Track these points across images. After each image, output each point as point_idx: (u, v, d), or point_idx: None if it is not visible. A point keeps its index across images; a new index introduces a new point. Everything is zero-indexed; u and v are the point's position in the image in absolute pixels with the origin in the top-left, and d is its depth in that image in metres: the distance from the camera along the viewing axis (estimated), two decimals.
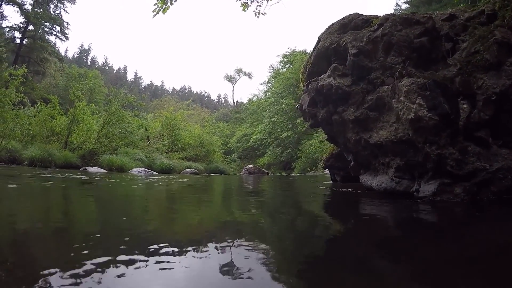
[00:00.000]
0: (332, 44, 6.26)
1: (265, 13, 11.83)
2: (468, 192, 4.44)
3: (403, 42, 5.17)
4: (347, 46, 5.83)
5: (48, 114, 22.03)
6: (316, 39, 6.93)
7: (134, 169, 18.31)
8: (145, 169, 18.53)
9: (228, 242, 2.35)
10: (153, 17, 9.81)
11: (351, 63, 5.71)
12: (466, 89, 4.53)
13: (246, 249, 2.13)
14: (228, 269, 1.73)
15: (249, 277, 1.61)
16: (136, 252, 1.96)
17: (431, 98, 4.55)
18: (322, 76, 6.30)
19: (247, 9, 11.50)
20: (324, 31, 6.74)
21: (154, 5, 9.39)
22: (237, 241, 2.39)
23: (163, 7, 9.67)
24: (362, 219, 3.87)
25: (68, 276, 1.51)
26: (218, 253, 2.04)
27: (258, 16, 11.49)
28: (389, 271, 1.89)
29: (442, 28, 5.14)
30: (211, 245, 2.21)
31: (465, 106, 4.49)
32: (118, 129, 23.15)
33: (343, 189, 7.37)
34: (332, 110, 6.16)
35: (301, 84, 7.77)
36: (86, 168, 17.43)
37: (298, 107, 7.83)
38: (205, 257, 1.94)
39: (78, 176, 10.14)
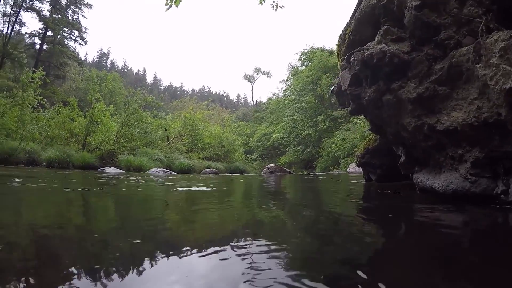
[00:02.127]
0: (380, 0, 4.74)
1: (283, 6, 11.31)
2: None
3: None
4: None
5: (67, 116, 21.84)
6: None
7: (152, 169, 17.64)
8: (164, 169, 17.80)
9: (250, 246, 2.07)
10: (166, 11, 9.18)
11: (411, 21, 4.03)
12: None
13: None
14: (247, 271, 1.59)
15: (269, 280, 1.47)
16: (155, 251, 1.92)
17: None
18: (369, 43, 4.66)
19: (264, 2, 11.05)
20: None
21: None
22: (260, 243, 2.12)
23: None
24: (424, 233, 2.65)
25: (88, 275, 1.49)
26: (239, 254, 1.87)
27: (275, 9, 11.11)
28: None
29: None
30: (231, 246, 2.04)
31: None
32: (136, 130, 22.91)
33: (385, 190, 5.81)
34: (383, 88, 4.53)
35: (338, 61, 6.27)
36: (103, 168, 16.92)
37: (334, 89, 6.24)
38: (225, 258, 1.81)
39: (92, 177, 9.60)
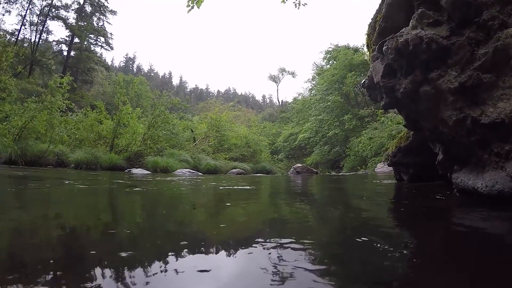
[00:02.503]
0: None
1: (305, 4, 11.15)
2: None
3: None
4: None
5: (95, 119, 22.21)
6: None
7: (178, 170, 17.64)
8: (190, 170, 17.81)
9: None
10: (188, 12, 9.27)
11: (449, 1, 3.64)
12: None
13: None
14: (274, 271, 1.57)
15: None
16: (182, 249, 1.92)
17: None
18: (402, 30, 4.25)
19: (286, 0, 10.96)
20: None
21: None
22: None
23: (196, 0, 9.16)
24: (468, 241, 2.31)
25: (115, 271, 1.53)
26: (265, 254, 1.85)
27: (298, 7, 11.04)
28: None
29: None
30: (258, 246, 2.01)
31: None
32: (163, 131, 23.05)
33: (419, 191, 5.46)
34: (420, 78, 4.10)
35: (368, 52, 5.87)
36: (130, 169, 17.06)
37: (365, 82, 5.83)
38: (251, 257, 1.82)
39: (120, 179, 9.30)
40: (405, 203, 4.70)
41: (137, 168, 17.52)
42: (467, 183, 4.22)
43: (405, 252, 1.96)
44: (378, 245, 2.06)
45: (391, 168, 17.43)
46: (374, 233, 2.50)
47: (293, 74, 76.63)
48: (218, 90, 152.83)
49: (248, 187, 7.71)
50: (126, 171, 16.59)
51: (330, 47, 45.94)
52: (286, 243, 2.03)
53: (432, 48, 3.77)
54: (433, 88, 3.94)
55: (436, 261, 1.81)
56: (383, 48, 4.54)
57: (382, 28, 5.15)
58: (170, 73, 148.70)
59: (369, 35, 5.90)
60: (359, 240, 2.23)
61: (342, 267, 1.74)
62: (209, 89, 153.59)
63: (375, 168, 21.40)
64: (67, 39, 45.52)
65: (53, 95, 18.40)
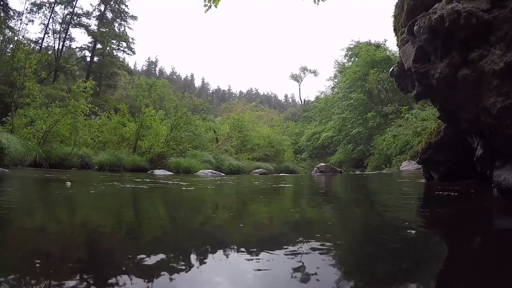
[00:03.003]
0: None
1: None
2: None
3: None
4: None
5: (118, 122, 22.74)
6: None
7: (201, 171, 17.47)
8: (212, 171, 17.61)
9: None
10: (205, 12, 9.06)
11: None
12: None
13: None
14: (297, 273, 1.56)
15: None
16: (205, 250, 1.97)
17: None
18: (435, 5, 3.73)
19: None
20: None
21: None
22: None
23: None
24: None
25: (138, 269, 1.56)
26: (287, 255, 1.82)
27: (317, 3, 10.67)
28: None
29: None
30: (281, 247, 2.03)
31: None
32: (185, 132, 23.18)
33: (451, 191, 4.85)
34: (459, 61, 3.58)
35: (396, 36, 5.34)
36: (153, 171, 16.95)
37: (394, 70, 5.30)
38: (273, 259, 1.77)
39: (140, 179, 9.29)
40: (435, 205, 4.14)
41: (159, 169, 17.44)
42: (509, 181, 3.70)
43: (435, 262, 1.76)
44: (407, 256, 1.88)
45: (417, 166, 16.85)
46: (406, 244, 2.15)
47: (315, 72, 75.73)
48: (240, 91, 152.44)
49: (272, 187, 7.54)
50: (148, 172, 16.55)
51: (352, 44, 45.23)
52: (310, 248, 1.93)
53: (471, 24, 3.27)
54: (474, 70, 3.42)
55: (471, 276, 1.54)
56: (414, 28, 4.01)
57: (411, 6, 4.63)
58: (192, 75, 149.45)
59: (396, 16, 5.38)
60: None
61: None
62: (231, 90, 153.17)
63: (400, 167, 20.49)
64: (90, 45, 46.06)
65: (76, 99, 18.63)
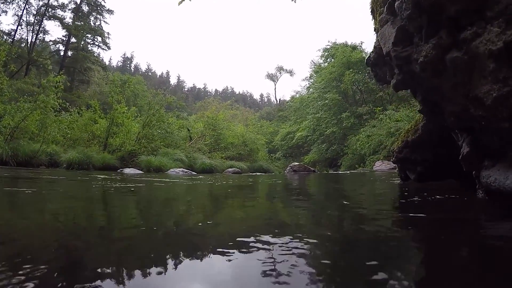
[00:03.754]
0: None
1: None
2: None
3: None
4: None
5: (90, 118, 22.24)
6: None
7: (171, 170, 17.04)
8: (184, 170, 17.02)
9: None
10: (178, 5, 8.32)
11: None
12: None
13: None
14: (268, 271, 1.53)
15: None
16: (178, 250, 1.94)
17: None
18: None
19: None
20: None
21: None
22: None
23: None
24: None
25: (111, 271, 1.52)
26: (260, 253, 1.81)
27: (295, 1, 10.12)
28: None
29: None
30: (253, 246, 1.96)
31: None
32: (158, 130, 22.72)
33: (430, 193, 4.34)
34: (448, 41, 2.99)
35: (374, 19, 4.76)
36: (123, 169, 16.53)
37: (370, 57, 4.71)
38: (247, 258, 1.76)
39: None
40: (415, 210, 3.50)
41: (130, 168, 17.05)
42: (504, 183, 3.17)
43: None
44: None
45: (390, 166, 16.55)
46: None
47: (290, 72, 76.70)
48: (215, 89, 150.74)
49: (242, 186, 7.49)
50: (118, 171, 16.02)
51: (328, 45, 45.44)
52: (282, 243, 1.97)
53: None
54: (466, 52, 2.82)
55: None
56: (396, 4, 3.35)
57: None
58: (167, 73, 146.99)
59: None
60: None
61: None
62: (207, 88, 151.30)
63: (374, 166, 20.83)
64: (64, 39, 44.52)
65: (46, 94, 17.98)
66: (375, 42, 4.48)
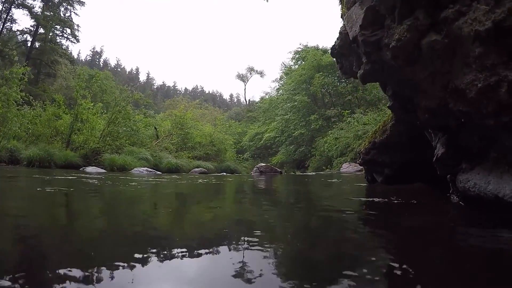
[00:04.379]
0: None
1: None
2: None
3: None
4: None
5: (53, 114, 21.01)
6: None
7: (136, 169, 16.20)
8: (148, 169, 16.34)
9: None
10: None
11: None
12: None
13: None
14: (238, 271, 1.56)
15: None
16: (145, 251, 1.85)
17: None
18: None
19: None
20: None
21: None
22: None
23: None
24: None
25: (79, 275, 1.45)
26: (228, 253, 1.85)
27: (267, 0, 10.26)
28: None
29: None
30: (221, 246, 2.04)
31: None
32: (123, 128, 21.76)
33: (399, 198, 3.92)
34: (425, 23, 2.52)
35: (341, 2, 4.23)
36: (85, 167, 15.75)
37: (335, 45, 4.20)
38: (215, 258, 1.79)
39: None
40: (384, 217, 3.11)
41: (92, 166, 16.26)
42: (485, 189, 2.74)
43: None
44: None
45: (357, 168, 16.28)
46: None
47: (261, 73, 75.70)
48: (185, 88, 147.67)
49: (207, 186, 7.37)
50: (81, 169, 15.16)
51: (300, 47, 45.39)
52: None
53: None
54: (447, 35, 2.36)
55: None
56: None
57: None
58: (137, 69, 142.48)
59: None
60: None
61: None
62: (176, 87, 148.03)
63: (341, 168, 20.84)
64: (32, 29, 42.27)
65: (9, 86, 17.29)
66: (341, 28, 3.96)
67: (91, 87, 22.85)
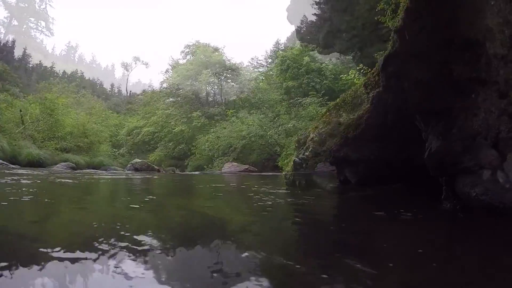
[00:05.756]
0: None
1: None
2: None
3: None
4: None
5: None
6: None
7: None
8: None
9: None
10: None
11: None
12: None
13: None
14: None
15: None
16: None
17: None
18: None
19: None
20: None
21: None
22: None
23: None
24: None
25: None
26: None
27: None
28: None
29: None
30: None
31: None
32: None
33: (381, 207, 3.50)
34: None
35: None
36: None
37: None
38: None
39: None
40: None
41: None
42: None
43: None
44: None
45: (239, 168, 15.39)
46: None
47: (146, 64, 74.07)
48: (64, 71, 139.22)
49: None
50: None
51: (191, 42, 44.64)
52: None
53: None
54: None
55: None
56: None
57: None
58: (13, 41, 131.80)
59: None
60: None
61: None
62: (54, 68, 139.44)
63: (222, 168, 20.70)
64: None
65: None
66: None
67: None
